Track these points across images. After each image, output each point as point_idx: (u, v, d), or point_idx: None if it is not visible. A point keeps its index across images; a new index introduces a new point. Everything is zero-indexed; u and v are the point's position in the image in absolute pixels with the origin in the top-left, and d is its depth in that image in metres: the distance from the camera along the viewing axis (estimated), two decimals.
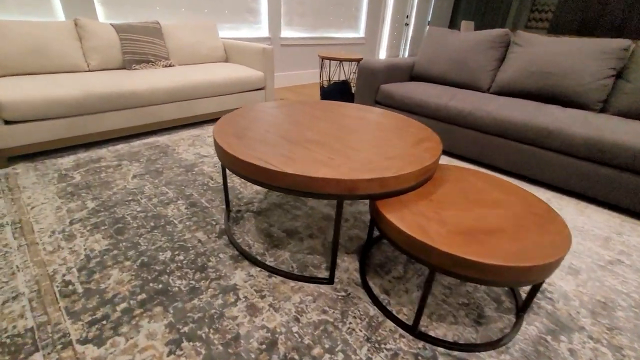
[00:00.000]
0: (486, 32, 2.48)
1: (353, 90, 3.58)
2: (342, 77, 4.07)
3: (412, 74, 2.81)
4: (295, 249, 1.30)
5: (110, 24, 2.45)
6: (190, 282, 1.11)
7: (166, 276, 1.12)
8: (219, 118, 2.80)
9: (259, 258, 1.23)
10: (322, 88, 3.40)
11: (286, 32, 4.12)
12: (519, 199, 1.08)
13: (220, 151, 1.10)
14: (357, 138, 1.23)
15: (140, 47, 2.51)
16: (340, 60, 3.12)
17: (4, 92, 1.68)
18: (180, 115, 2.41)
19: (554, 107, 2.04)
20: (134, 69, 2.46)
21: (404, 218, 0.94)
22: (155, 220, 1.41)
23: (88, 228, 1.33)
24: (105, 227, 1.35)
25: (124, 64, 2.48)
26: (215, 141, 1.15)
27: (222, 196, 1.63)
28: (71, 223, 1.36)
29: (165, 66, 2.64)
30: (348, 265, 1.24)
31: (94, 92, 1.93)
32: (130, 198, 1.56)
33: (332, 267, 1.12)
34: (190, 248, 1.26)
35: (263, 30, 3.89)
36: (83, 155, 1.97)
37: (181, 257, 1.21)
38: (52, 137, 1.88)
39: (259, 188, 1.73)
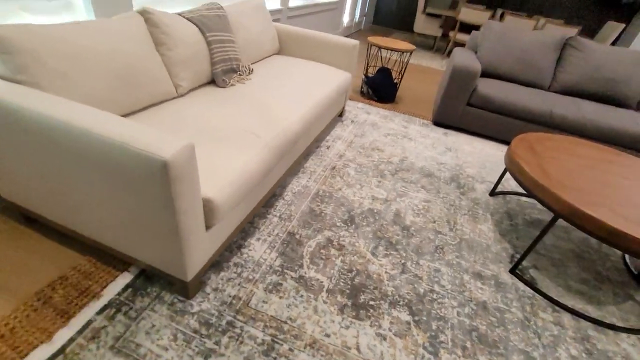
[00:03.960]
0: (549, 35, 2.74)
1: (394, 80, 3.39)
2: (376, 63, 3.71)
3: None
4: (608, 300, 1.41)
5: (183, 16, 1.58)
6: None
7: None
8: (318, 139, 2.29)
9: (608, 322, 1.30)
10: (366, 77, 3.11)
11: (292, 1, 3.41)
12: None
13: (608, 230, 1.06)
14: None
15: (225, 50, 1.74)
16: (401, 52, 2.89)
17: (210, 187, 1.00)
18: (306, 144, 1.89)
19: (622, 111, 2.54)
20: (229, 86, 1.72)
21: None
22: (485, 315, 1.25)
23: None
24: (482, 347, 1.12)
25: (212, 78, 1.70)
26: (585, 214, 1.07)
27: (474, 255, 1.51)
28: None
29: (249, 73, 1.93)
30: None
31: (276, 147, 1.33)
32: (420, 289, 1.28)
33: None
34: (562, 338, 1.21)
35: (275, 1, 3.11)
36: (258, 233, 1.40)
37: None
38: (231, 228, 1.25)
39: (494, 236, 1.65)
